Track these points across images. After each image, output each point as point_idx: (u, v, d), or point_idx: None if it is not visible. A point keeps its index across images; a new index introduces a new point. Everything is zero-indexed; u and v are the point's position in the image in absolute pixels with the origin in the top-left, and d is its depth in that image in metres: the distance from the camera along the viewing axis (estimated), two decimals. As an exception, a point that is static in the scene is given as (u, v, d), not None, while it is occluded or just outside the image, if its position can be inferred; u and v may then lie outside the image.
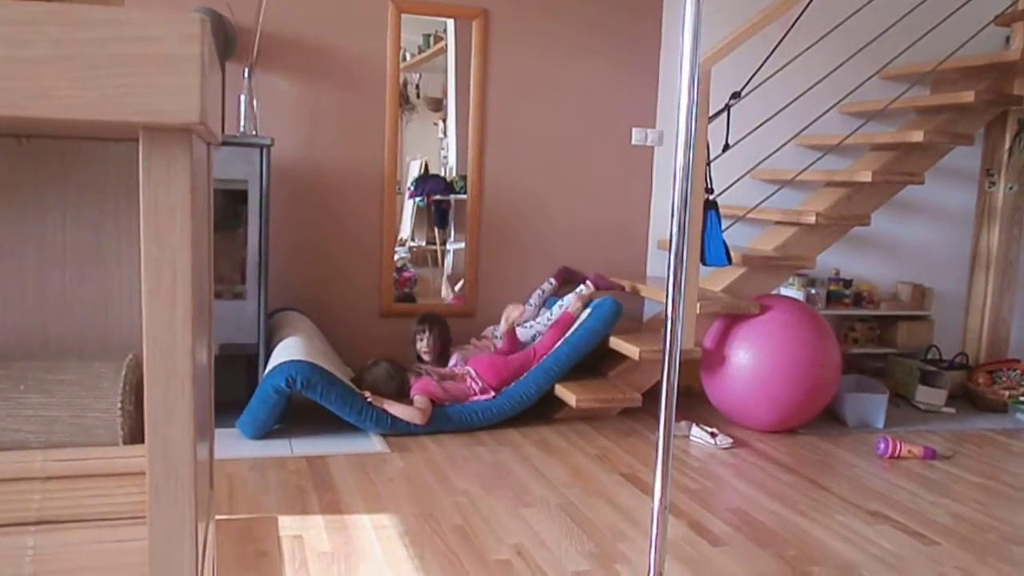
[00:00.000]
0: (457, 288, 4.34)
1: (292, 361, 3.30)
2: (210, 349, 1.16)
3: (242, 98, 3.63)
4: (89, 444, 0.79)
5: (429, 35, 4.34)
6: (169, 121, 0.68)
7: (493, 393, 3.69)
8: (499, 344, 4.00)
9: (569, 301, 3.96)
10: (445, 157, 4.44)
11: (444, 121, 4.42)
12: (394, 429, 3.46)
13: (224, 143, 3.47)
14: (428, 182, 4.46)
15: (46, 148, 1.01)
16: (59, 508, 0.77)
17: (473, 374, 3.73)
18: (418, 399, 3.53)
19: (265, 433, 3.40)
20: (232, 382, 3.77)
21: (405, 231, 4.51)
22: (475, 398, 3.68)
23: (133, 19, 0.69)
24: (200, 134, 0.78)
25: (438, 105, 4.44)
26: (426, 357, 3.88)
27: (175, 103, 0.68)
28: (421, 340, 3.89)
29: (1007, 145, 4.48)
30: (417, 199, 4.45)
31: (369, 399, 3.45)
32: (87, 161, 0.99)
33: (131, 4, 3.06)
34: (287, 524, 2.61)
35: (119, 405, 0.82)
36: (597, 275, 4.08)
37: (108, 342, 0.99)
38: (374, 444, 3.39)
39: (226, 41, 3.71)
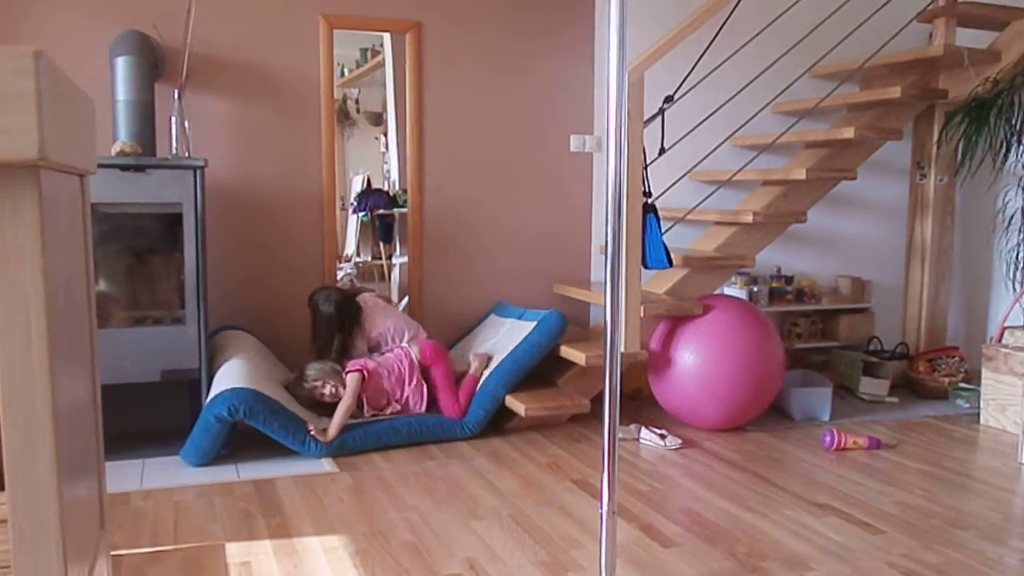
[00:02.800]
0: (401, 308, 4.31)
1: (234, 389, 3.25)
2: (95, 383, 1.13)
3: (173, 120, 3.57)
4: (-47, 494, 0.75)
5: (367, 50, 4.32)
6: (4, 158, 0.65)
7: (415, 382, 3.74)
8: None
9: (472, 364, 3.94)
10: (388, 171, 4.42)
11: (385, 135, 4.40)
12: (341, 450, 3.42)
13: (155, 166, 3.42)
14: (371, 196, 4.43)
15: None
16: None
17: (416, 353, 3.81)
18: (349, 378, 3.59)
19: (211, 460, 3.34)
20: (175, 408, 3.70)
21: (350, 247, 4.48)
22: (398, 394, 3.73)
23: (-41, 56, 0.66)
24: (57, 168, 0.75)
25: (378, 119, 4.42)
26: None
27: (10, 140, 0.65)
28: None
29: (935, 138, 4.59)
30: (361, 214, 4.43)
31: (312, 432, 3.40)
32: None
33: (57, 27, 2.99)
34: (234, 551, 2.56)
35: (-17, 452, 0.78)
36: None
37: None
38: (323, 465, 3.35)
39: (154, 63, 3.65)
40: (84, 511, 0.90)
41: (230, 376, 3.34)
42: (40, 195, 0.67)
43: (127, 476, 3.20)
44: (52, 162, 0.67)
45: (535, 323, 3.87)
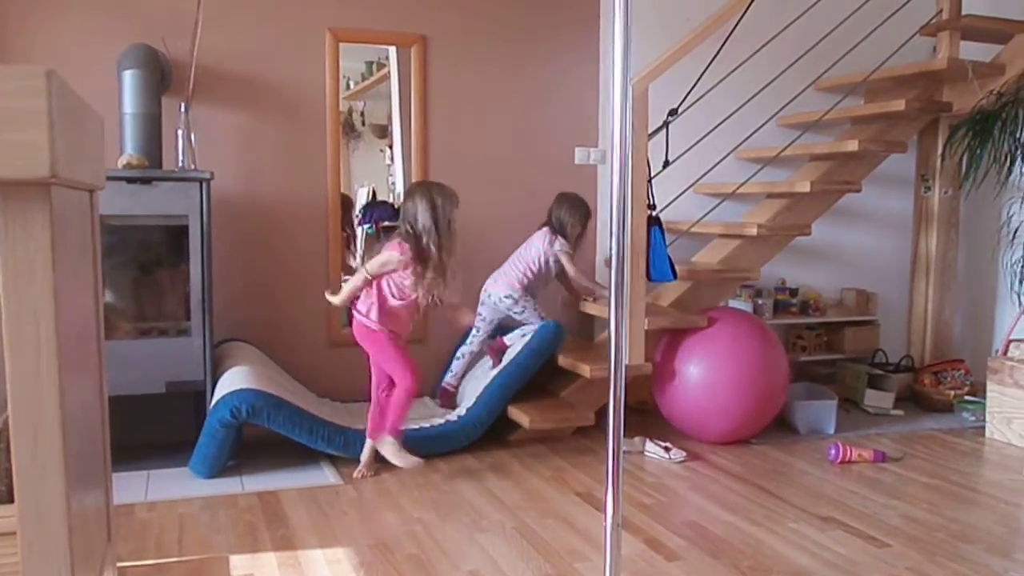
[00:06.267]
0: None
1: (234, 391, 3.25)
2: (102, 394, 1.13)
3: (179, 133, 3.59)
4: (-36, 505, 0.75)
5: (372, 62, 4.34)
6: (17, 176, 0.66)
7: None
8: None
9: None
10: (393, 183, 4.43)
11: (390, 147, 4.41)
12: (346, 450, 3.41)
13: (162, 178, 3.44)
14: (376, 209, 4.44)
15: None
16: (-71, 575, 0.74)
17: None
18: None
19: (220, 471, 3.34)
20: (180, 420, 3.70)
21: (356, 259, 4.48)
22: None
23: (-29, 75, 0.68)
24: (68, 184, 0.76)
25: (384, 132, 4.43)
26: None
27: (22, 158, 0.66)
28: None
29: (939, 151, 4.59)
30: (365, 226, 4.44)
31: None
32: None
33: (65, 41, 3.01)
34: (238, 563, 2.56)
35: (-6, 463, 0.79)
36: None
37: (-5, 398, 0.96)
38: (327, 476, 3.35)
39: (161, 76, 3.67)
40: (92, 522, 0.91)
41: (231, 381, 3.35)
42: (51, 212, 0.68)
43: (132, 488, 3.20)
44: (63, 179, 0.68)
45: (531, 328, 3.86)
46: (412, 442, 3.54)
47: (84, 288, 0.91)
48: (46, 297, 0.66)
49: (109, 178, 3.27)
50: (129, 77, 3.55)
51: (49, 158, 0.67)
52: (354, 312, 3.39)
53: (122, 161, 3.43)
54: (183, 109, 3.62)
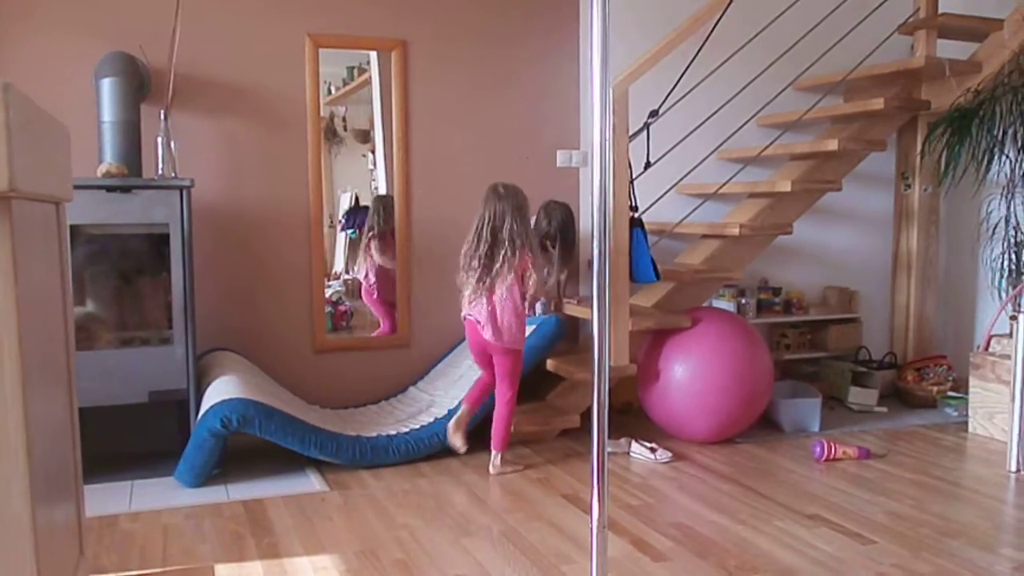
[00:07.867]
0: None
1: (225, 400, 3.23)
2: (72, 405, 1.12)
3: (159, 140, 3.57)
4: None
5: (353, 67, 4.33)
6: None
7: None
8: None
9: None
10: (375, 188, 4.42)
11: (373, 152, 4.40)
12: (338, 456, 3.40)
13: (142, 187, 3.42)
14: (359, 214, 4.43)
15: None
16: None
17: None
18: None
19: (205, 480, 3.32)
20: (164, 430, 3.68)
21: (339, 264, 4.47)
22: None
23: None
24: (30, 197, 0.75)
25: (366, 137, 4.42)
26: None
27: (-22, 172, 0.65)
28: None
29: (919, 148, 4.62)
30: (349, 231, 4.42)
31: None
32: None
33: (38, 53, 2.99)
34: (224, 573, 2.54)
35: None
36: None
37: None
38: (313, 484, 3.33)
39: (140, 84, 3.65)
40: (62, 537, 0.90)
41: (220, 390, 3.33)
42: (11, 225, 0.67)
43: (115, 498, 3.18)
44: (24, 192, 0.67)
45: (532, 328, 3.85)
46: (400, 445, 3.53)
47: (52, 301, 0.90)
48: (8, 312, 0.65)
49: (88, 187, 3.28)
50: (107, 85, 3.53)
51: (7, 172, 0.66)
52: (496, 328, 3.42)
53: (101, 170, 3.40)
54: (162, 116, 3.60)
